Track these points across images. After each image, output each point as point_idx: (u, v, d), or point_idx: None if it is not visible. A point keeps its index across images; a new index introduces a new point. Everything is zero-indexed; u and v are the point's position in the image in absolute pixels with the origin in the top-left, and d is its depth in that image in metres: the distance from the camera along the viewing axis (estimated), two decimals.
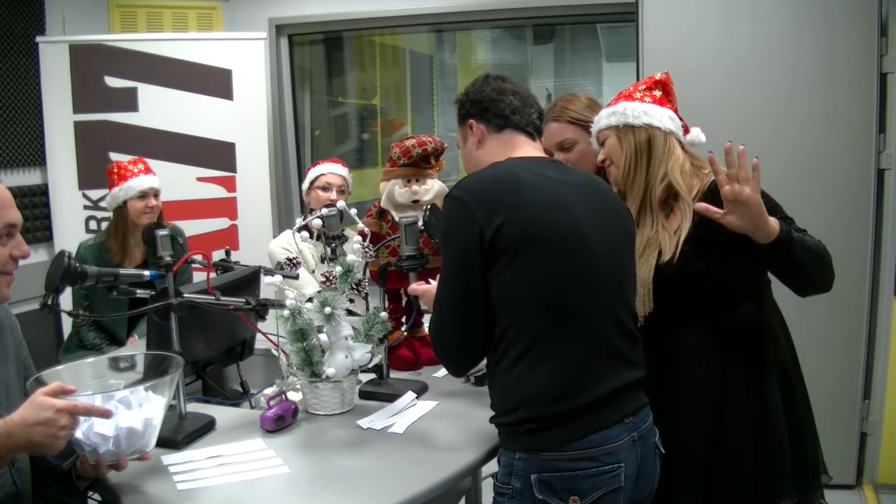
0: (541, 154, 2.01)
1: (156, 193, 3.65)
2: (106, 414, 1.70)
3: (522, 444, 1.80)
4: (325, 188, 3.60)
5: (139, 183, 3.59)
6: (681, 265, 2.08)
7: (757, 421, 2.13)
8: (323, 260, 2.50)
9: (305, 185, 3.71)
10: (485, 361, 1.91)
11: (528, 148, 1.98)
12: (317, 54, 5.73)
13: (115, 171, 3.64)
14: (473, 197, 1.81)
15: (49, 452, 1.69)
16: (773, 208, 2.07)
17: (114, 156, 4.24)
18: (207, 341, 2.57)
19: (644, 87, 2.27)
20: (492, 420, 1.91)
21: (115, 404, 1.74)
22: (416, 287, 2.29)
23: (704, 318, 2.12)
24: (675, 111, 2.27)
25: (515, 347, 1.79)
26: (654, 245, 2.15)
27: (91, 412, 1.69)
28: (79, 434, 1.73)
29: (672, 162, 2.17)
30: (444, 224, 1.88)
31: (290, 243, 3.48)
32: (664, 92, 2.27)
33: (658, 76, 2.30)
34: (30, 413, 1.62)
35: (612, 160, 2.25)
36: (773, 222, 1.97)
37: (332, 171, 3.65)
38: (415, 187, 2.71)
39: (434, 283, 2.20)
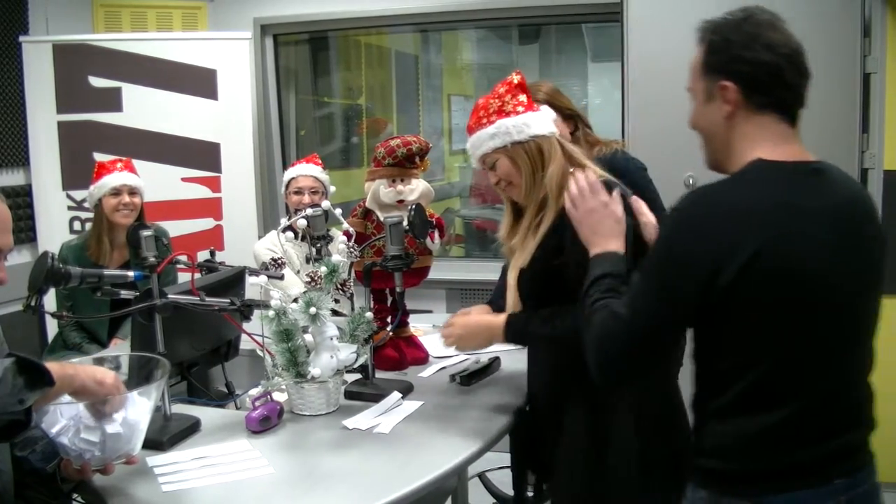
0: (800, 155, 1.61)
1: (131, 191, 3.61)
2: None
3: (720, 486, 1.60)
4: (298, 192, 3.62)
5: (111, 180, 3.57)
6: (533, 270, 2.12)
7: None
8: (308, 260, 2.50)
9: (283, 189, 3.73)
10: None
11: (785, 148, 1.59)
12: (302, 54, 5.72)
13: (97, 169, 3.63)
14: (724, 215, 1.51)
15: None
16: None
17: (98, 156, 4.22)
18: (192, 342, 2.57)
19: (509, 95, 2.16)
20: (696, 456, 1.66)
21: None
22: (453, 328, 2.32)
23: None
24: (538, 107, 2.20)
25: (749, 394, 1.55)
26: (523, 249, 2.17)
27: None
28: (65, 440, 1.72)
29: (553, 167, 2.12)
30: (667, 237, 1.61)
31: (275, 244, 3.47)
32: (526, 93, 2.19)
33: (515, 80, 2.19)
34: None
35: (510, 181, 2.17)
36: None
37: (302, 173, 3.66)
38: (399, 187, 2.71)
39: (472, 316, 2.27)
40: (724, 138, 1.63)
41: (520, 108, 2.15)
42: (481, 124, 2.17)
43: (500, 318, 2.20)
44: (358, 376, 2.51)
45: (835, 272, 1.52)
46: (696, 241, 1.51)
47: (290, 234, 2.47)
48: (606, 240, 1.85)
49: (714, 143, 1.67)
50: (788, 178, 1.55)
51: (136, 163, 3.77)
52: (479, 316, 2.32)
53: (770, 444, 1.54)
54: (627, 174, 2.89)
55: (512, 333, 2.17)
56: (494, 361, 2.67)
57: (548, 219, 2.12)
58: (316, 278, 2.27)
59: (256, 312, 2.33)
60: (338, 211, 2.51)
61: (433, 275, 2.92)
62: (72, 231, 4.51)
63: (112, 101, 4.56)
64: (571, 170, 2.08)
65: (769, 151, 1.57)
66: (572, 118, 3.01)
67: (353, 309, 2.44)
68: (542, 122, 2.16)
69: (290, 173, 3.67)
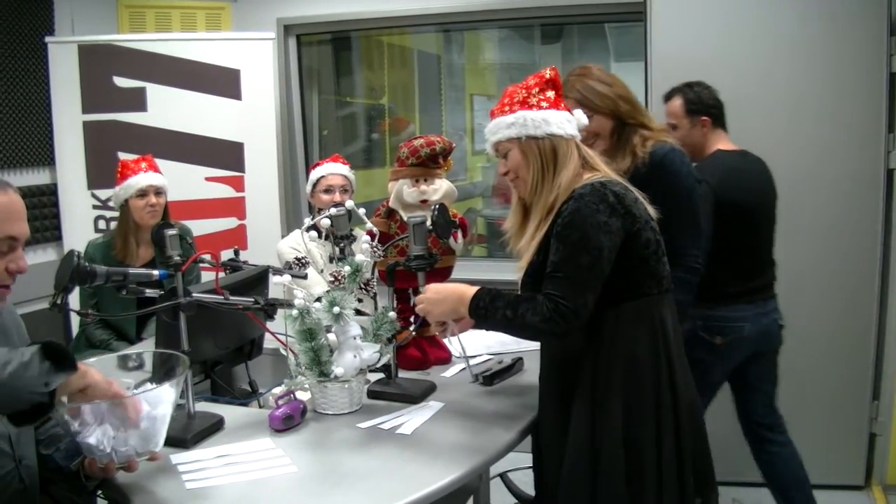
0: (734, 146, 3.28)
1: (157, 191, 3.62)
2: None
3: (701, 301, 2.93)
4: (328, 190, 3.59)
5: (137, 181, 3.57)
6: (530, 275, 2.11)
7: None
8: (331, 259, 2.50)
9: (308, 188, 3.70)
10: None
11: (728, 144, 3.29)
12: (325, 54, 5.73)
13: (120, 169, 3.64)
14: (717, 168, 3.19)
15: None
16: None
17: (122, 156, 4.22)
18: (216, 341, 2.58)
19: (537, 89, 2.16)
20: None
21: None
22: None
23: None
24: (566, 106, 2.20)
25: (722, 257, 3.03)
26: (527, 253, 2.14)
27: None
28: (92, 440, 1.72)
29: (568, 170, 2.10)
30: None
31: (299, 243, 3.48)
32: (556, 91, 2.18)
33: (547, 74, 2.18)
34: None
35: (517, 174, 2.16)
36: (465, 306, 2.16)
37: (332, 171, 3.64)
38: (423, 187, 2.71)
39: (446, 284, 2.26)
40: (702, 145, 3.29)
41: (543, 104, 2.13)
42: (503, 111, 2.17)
43: (472, 289, 2.16)
44: (381, 376, 2.51)
45: (761, 197, 3.26)
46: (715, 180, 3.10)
47: (313, 233, 2.47)
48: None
49: (697, 151, 3.24)
50: (735, 155, 3.26)
51: (160, 162, 3.78)
52: (454, 284, 2.24)
53: (729, 278, 3.11)
54: (676, 178, 2.77)
55: (475, 307, 2.13)
56: (517, 362, 2.67)
57: (549, 223, 2.09)
58: (339, 278, 2.27)
59: (280, 311, 2.34)
60: (361, 210, 2.52)
61: (456, 275, 2.91)
62: (96, 230, 4.54)
63: (137, 101, 4.59)
64: (587, 176, 2.11)
65: (723, 146, 3.28)
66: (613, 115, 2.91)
67: (376, 308, 2.44)
68: (562, 122, 2.13)
69: (318, 172, 3.65)
